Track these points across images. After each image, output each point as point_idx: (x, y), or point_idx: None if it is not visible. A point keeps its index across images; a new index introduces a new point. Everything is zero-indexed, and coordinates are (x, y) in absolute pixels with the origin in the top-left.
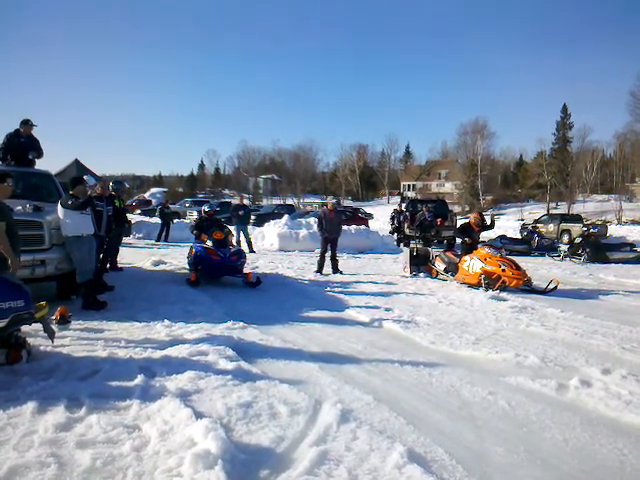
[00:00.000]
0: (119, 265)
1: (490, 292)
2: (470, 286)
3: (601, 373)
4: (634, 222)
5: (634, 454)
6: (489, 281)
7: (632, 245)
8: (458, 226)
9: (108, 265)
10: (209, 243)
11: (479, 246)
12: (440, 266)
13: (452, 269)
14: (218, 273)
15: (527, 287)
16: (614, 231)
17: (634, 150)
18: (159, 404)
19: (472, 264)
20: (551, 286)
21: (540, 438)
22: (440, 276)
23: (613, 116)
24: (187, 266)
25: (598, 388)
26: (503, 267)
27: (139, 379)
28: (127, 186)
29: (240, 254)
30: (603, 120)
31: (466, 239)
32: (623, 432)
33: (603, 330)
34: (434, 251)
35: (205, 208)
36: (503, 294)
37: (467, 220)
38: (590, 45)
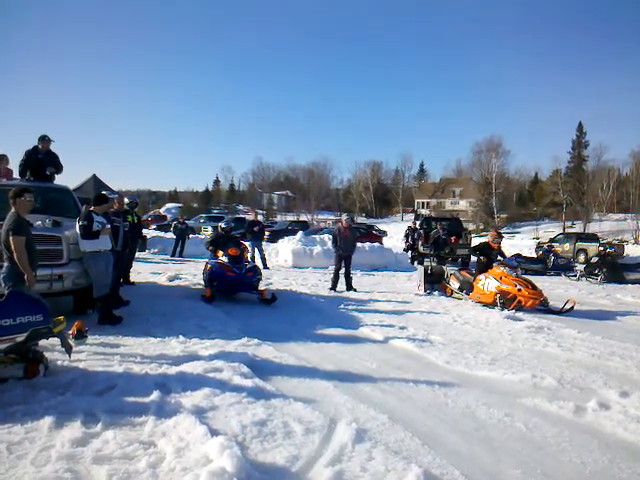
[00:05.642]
0: (131, 280)
1: (506, 312)
2: (485, 305)
3: (619, 396)
4: None
5: None
6: (505, 300)
7: None
8: (476, 244)
9: (122, 280)
10: (224, 259)
11: (494, 265)
12: (455, 284)
13: (467, 288)
14: (233, 289)
15: (543, 307)
16: (631, 251)
17: None
18: (174, 420)
19: (487, 283)
20: (567, 306)
21: (557, 461)
22: (455, 295)
23: (629, 134)
24: (202, 282)
25: (616, 411)
26: (519, 287)
27: (155, 395)
28: (138, 201)
29: (255, 270)
30: (619, 139)
31: (481, 257)
32: None
33: (621, 352)
34: (449, 269)
35: (222, 225)
36: (519, 314)
37: (485, 239)
38: (606, 62)
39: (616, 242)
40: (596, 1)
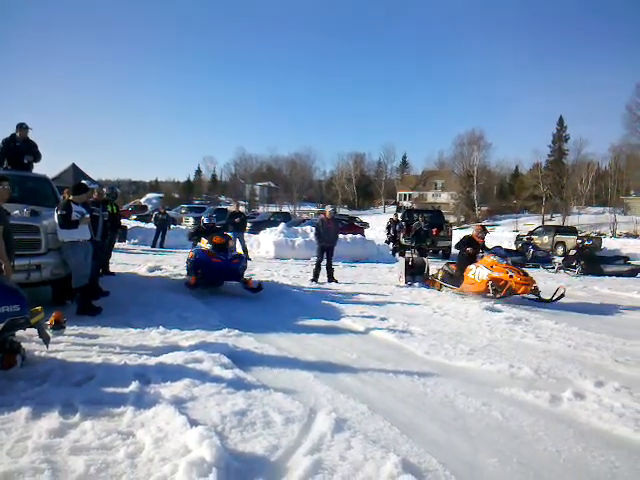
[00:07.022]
0: (111, 270)
1: (485, 303)
2: (466, 296)
3: (594, 386)
4: (628, 235)
5: (626, 467)
6: (497, 287)
7: (626, 258)
8: (461, 238)
9: (101, 270)
10: (209, 247)
11: (485, 254)
12: (444, 278)
13: (454, 280)
14: (218, 277)
15: (534, 295)
16: (608, 244)
17: (629, 163)
18: (154, 411)
19: (478, 272)
20: (558, 294)
21: (533, 450)
22: (444, 288)
23: (609, 129)
24: (184, 272)
25: (591, 401)
26: (511, 273)
27: (134, 386)
28: (118, 191)
29: (241, 258)
30: (599, 133)
31: (468, 249)
32: (615, 445)
33: (597, 343)
34: (437, 264)
35: (204, 219)
36: (498, 305)
37: (468, 233)
38: (587, 58)
39: (594, 235)
40: None
